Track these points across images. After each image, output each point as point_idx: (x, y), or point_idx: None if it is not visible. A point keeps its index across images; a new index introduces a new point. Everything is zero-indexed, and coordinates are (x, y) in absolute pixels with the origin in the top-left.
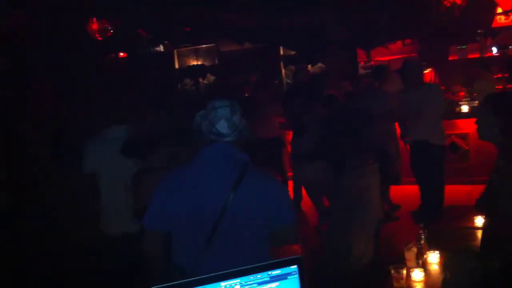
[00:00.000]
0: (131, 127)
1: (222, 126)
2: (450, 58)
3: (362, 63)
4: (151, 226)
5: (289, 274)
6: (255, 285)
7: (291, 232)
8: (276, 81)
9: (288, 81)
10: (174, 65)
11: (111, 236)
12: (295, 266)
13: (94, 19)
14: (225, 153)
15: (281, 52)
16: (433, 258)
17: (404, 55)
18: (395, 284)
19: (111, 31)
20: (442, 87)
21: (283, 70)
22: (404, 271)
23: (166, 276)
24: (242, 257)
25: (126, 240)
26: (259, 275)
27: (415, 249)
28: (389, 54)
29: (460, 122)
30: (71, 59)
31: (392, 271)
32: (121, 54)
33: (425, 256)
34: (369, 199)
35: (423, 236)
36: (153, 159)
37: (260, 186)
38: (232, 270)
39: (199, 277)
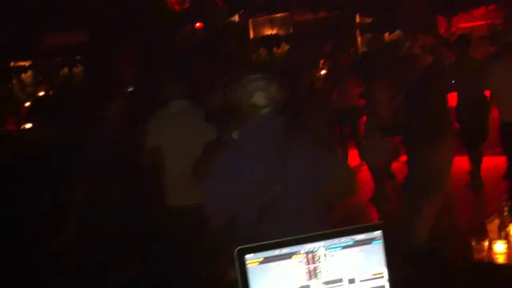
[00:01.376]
0: (197, 100)
1: (259, 98)
2: None
3: (443, 30)
4: (215, 211)
5: (373, 239)
6: (339, 248)
7: (346, 184)
8: (352, 50)
9: (364, 49)
10: (249, 35)
11: (179, 208)
12: (379, 231)
13: None
14: (267, 124)
15: (357, 20)
16: None
17: (488, 21)
18: (476, 256)
19: (189, 2)
20: None
21: (359, 39)
22: (486, 243)
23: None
24: (299, 220)
25: (193, 211)
26: (343, 239)
27: (497, 221)
28: (472, 20)
29: None
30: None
31: (473, 243)
32: (198, 24)
33: (508, 228)
34: (441, 173)
35: (506, 208)
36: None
37: (307, 147)
38: (316, 233)
39: (285, 239)
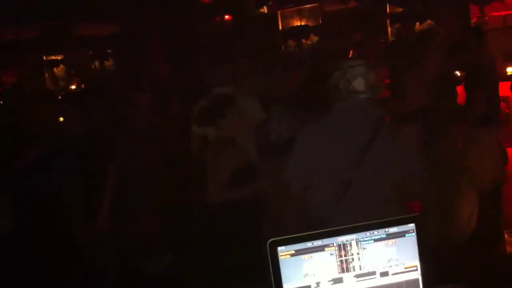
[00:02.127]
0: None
1: (359, 83)
2: None
3: (475, 19)
4: (291, 175)
5: (406, 232)
6: (371, 241)
7: (420, 187)
8: (382, 40)
9: (394, 39)
10: (278, 26)
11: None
12: (412, 224)
13: None
14: (362, 109)
15: (388, 10)
16: None
17: None
18: (508, 249)
19: None
20: None
21: (389, 29)
22: None
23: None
24: (373, 210)
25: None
26: (375, 232)
27: None
28: (505, 9)
29: None
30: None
31: (506, 236)
32: (227, 17)
33: None
34: (471, 163)
35: None
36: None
37: (393, 141)
38: (348, 225)
39: (316, 232)
